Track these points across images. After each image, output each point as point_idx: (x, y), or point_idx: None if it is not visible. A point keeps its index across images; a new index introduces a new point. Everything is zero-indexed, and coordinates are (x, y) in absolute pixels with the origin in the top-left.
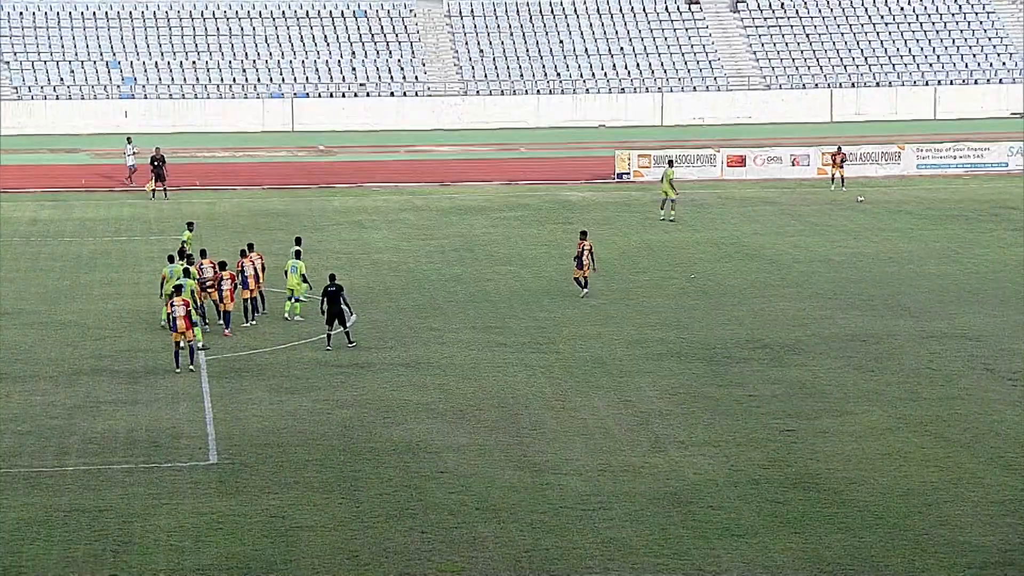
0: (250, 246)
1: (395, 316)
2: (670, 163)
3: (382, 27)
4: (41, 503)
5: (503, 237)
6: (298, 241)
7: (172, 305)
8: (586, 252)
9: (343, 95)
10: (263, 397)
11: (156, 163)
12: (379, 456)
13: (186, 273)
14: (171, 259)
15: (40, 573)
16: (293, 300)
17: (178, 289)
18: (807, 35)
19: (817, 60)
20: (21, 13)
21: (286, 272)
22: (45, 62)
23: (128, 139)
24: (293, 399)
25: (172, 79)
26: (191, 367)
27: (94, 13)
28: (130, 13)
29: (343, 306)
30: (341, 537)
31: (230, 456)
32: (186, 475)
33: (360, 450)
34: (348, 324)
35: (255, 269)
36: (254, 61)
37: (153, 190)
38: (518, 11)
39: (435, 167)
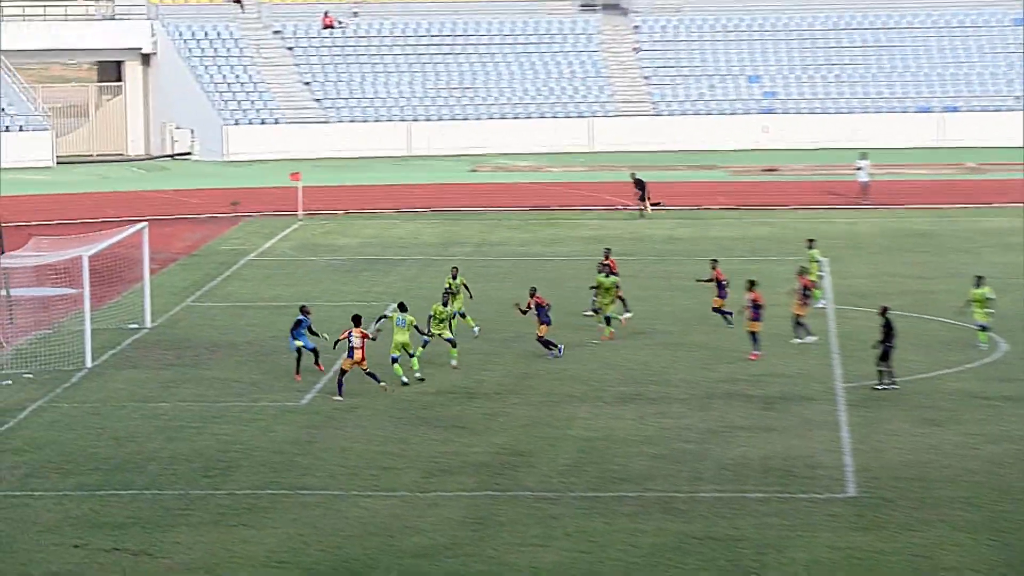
0: (532, 290)
1: None
2: None
3: None
4: (675, 529)
5: None
6: None
7: (350, 334)
8: None
9: (996, 109)
10: (903, 428)
11: (639, 186)
12: None
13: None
14: (402, 307)
15: None
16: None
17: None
18: None
19: None
20: (663, 27)
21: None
22: (685, 77)
23: (863, 154)
24: (936, 431)
25: (814, 93)
26: (384, 385)
27: (736, 26)
28: (772, 25)
29: None
30: None
31: (869, 489)
32: (823, 507)
33: (1011, 489)
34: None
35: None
36: (901, 74)
37: (641, 211)
38: None
39: None
